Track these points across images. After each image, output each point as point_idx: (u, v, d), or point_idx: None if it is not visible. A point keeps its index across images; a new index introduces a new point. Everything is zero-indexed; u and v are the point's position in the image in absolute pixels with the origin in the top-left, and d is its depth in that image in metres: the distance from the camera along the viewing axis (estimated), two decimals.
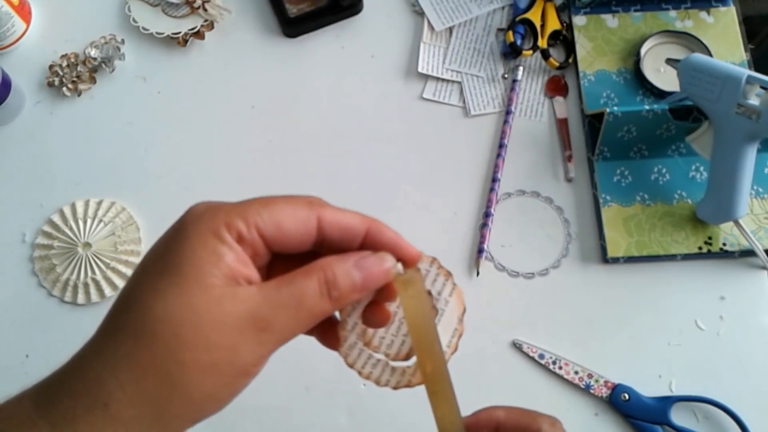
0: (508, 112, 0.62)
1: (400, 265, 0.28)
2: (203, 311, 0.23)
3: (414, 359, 0.29)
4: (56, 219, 0.60)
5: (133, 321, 0.23)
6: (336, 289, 0.25)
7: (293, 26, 0.66)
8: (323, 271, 0.25)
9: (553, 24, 0.64)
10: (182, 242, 0.24)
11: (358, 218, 0.27)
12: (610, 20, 0.64)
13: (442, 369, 0.28)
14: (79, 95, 0.65)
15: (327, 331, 0.30)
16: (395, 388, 0.29)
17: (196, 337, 0.23)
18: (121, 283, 0.59)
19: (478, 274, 0.58)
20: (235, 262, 0.24)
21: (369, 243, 0.27)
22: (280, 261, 0.28)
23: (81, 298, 0.58)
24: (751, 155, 0.52)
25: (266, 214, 0.25)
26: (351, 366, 0.29)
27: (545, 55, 0.64)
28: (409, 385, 0.29)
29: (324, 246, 0.27)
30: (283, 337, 0.25)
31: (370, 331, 0.30)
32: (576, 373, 0.54)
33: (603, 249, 0.58)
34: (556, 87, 0.64)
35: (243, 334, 0.23)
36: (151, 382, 0.22)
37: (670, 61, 0.57)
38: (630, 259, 0.57)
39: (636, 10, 0.65)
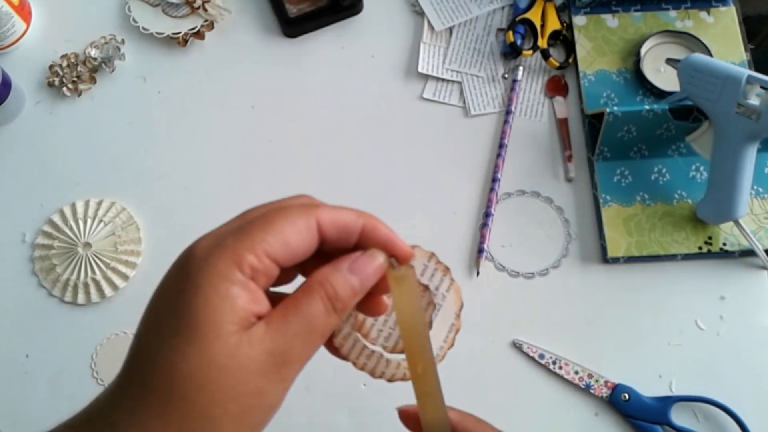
0: (508, 112, 0.62)
1: (395, 260, 0.28)
2: (224, 363, 0.23)
3: None
4: (56, 219, 0.60)
5: (160, 383, 0.23)
6: (339, 301, 0.26)
7: (293, 26, 0.66)
8: (323, 288, 0.25)
9: (553, 24, 0.64)
10: (194, 292, 0.23)
11: (354, 215, 0.27)
12: (610, 20, 0.64)
13: (432, 369, 0.28)
14: (79, 95, 0.65)
15: None
16: (390, 380, 0.29)
17: (223, 391, 0.23)
18: (121, 283, 0.59)
19: (478, 274, 0.58)
20: (249, 304, 0.24)
21: (364, 240, 0.27)
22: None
23: (81, 298, 0.58)
24: (751, 155, 0.52)
25: (271, 238, 0.25)
26: (345, 357, 0.29)
27: (545, 55, 0.64)
28: (404, 379, 0.29)
29: (324, 245, 0.27)
30: (301, 365, 0.25)
31: (368, 322, 0.30)
32: (576, 373, 0.54)
33: (603, 249, 0.58)
34: (556, 87, 0.64)
35: (266, 375, 0.24)
36: None
37: (670, 61, 0.57)
38: (630, 259, 0.57)
39: (636, 10, 0.65)
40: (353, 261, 0.26)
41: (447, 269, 0.30)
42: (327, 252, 0.27)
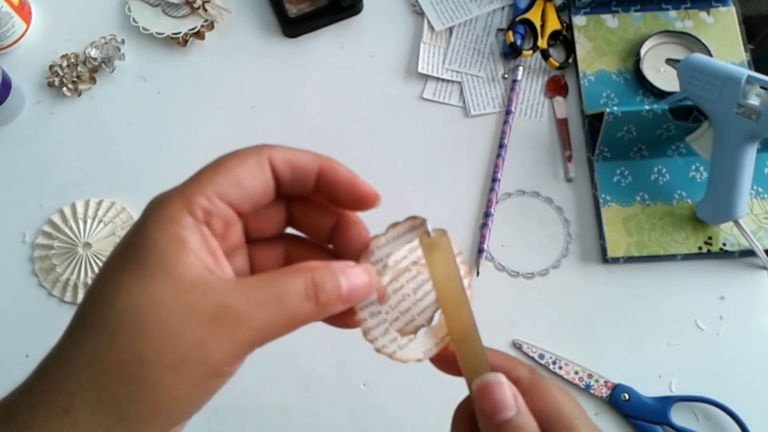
0: (508, 112, 0.62)
1: (430, 227, 0.27)
2: (169, 303, 0.21)
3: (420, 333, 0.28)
4: (56, 219, 0.60)
5: (94, 318, 0.21)
6: (324, 293, 0.24)
7: (293, 26, 0.66)
8: (311, 272, 0.24)
9: (553, 24, 0.64)
10: (142, 234, 0.22)
11: (310, 156, 0.26)
12: (610, 20, 0.64)
13: (473, 326, 0.27)
14: (79, 95, 0.65)
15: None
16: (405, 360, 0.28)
17: (160, 331, 0.21)
18: None
19: (478, 274, 0.58)
20: (200, 248, 0.23)
21: (323, 182, 0.26)
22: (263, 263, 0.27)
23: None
24: (751, 155, 0.52)
25: (220, 178, 0.24)
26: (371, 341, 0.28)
27: (545, 55, 0.64)
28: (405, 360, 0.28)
29: (281, 188, 0.26)
30: (259, 338, 0.22)
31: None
32: (576, 373, 0.54)
33: (603, 249, 0.58)
34: (556, 87, 0.64)
35: (213, 328, 0.21)
36: (113, 383, 0.21)
37: (670, 61, 0.57)
38: (630, 259, 0.57)
39: (636, 10, 0.65)
40: (347, 266, 0.25)
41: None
42: (297, 221, 0.27)
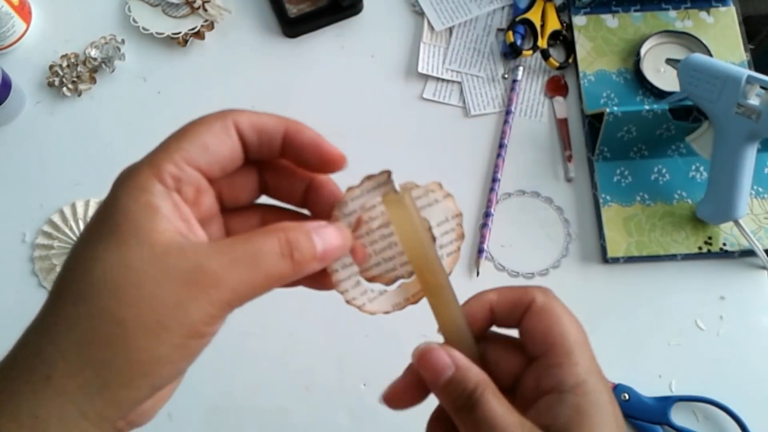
0: (508, 112, 0.62)
1: (397, 184, 0.27)
2: (145, 268, 0.21)
3: (398, 284, 0.28)
4: (56, 219, 0.60)
5: (71, 287, 0.22)
6: (299, 252, 0.24)
7: (293, 26, 0.66)
8: (284, 232, 0.24)
9: (553, 24, 0.64)
10: (114, 205, 0.23)
11: (275, 119, 0.26)
12: (610, 20, 0.64)
13: (443, 283, 0.27)
14: (79, 95, 0.65)
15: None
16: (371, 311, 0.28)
17: (138, 295, 0.21)
18: None
19: (478, 274, 0.58)
20: (172, 214, 0.23)
21: (289, 145, 0.26)
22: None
23: None
24: (751, 155, 0.52)
25: (187, 144, 0.24)
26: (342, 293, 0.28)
27: (545, 55, 0.64)
28: (385, 312, 0.28)
29: (248, 152, 0.26)
30: (236, 297, 0.23)
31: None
32: None
33: (603, 249, 0.58)
34: (556, 87, 0.64)
35: (190, 289, 0.22)
36: (92, 348, 0.21)
37: (670, 61, 0.57)
38: (630, 259, 0.57)
39: (636, 10, 0.65)
40: (319, 226, 0.25)
41: (439, 186, 0.29)
42: (270, 188, 0.27)
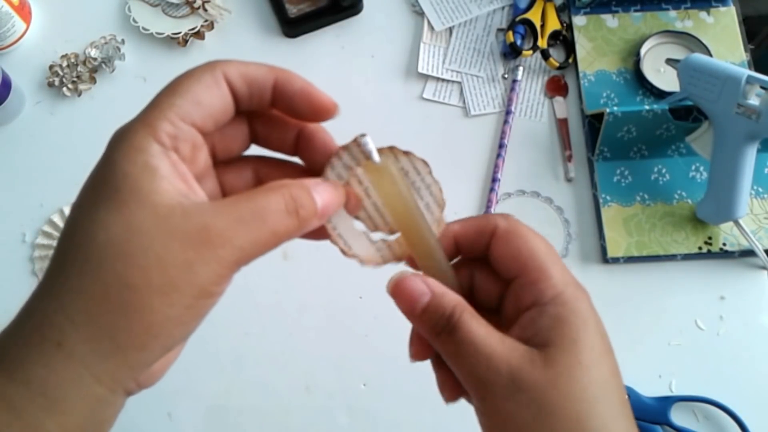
0: (508, 112, 0.62)
1: (376, 155, 0.27)
2: (151, 230, 0.21)
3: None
4: (56, 219, 0.60)
5: (76, 254, 0.21)
6: (303, 208, 0.24)
7: (293, 26, 0.66)
8: (287, 189, 0.24)
9: (553, 24, 0.64)
10: (111, 168, 0.22)
11: (265, 68, 0.26)
12: (610, 20, 0.64)
13: (431, 246, 0.28)
14: (79, 95, 0.65)
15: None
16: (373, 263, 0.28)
17: (146, 257, 0.21)
18: None
19: None
20: (172, 173, 0.23)
21: (279, 94, 0.26)
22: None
23: None
24: (751, 155, 0.52)
25: (179, 100, 0.23)
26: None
27: (545, 55, 0.64)
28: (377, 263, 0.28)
29: (239, 104, 0.26)
30: (243, 256, 0.23)
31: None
32: None
33: (603, 249, 0.58)
34: (556, 87, 0.64)
35: (197, 250, 0.21)
36: (103, 313, 0.21)
37: (670, 61, 0.57)
38: (630, 259, 0.57)
39: (636, 11, 0.65)
40: (316, 183, 0.25)
41: (407, 153, 0.30)
42: (261, 137, 0.27)
